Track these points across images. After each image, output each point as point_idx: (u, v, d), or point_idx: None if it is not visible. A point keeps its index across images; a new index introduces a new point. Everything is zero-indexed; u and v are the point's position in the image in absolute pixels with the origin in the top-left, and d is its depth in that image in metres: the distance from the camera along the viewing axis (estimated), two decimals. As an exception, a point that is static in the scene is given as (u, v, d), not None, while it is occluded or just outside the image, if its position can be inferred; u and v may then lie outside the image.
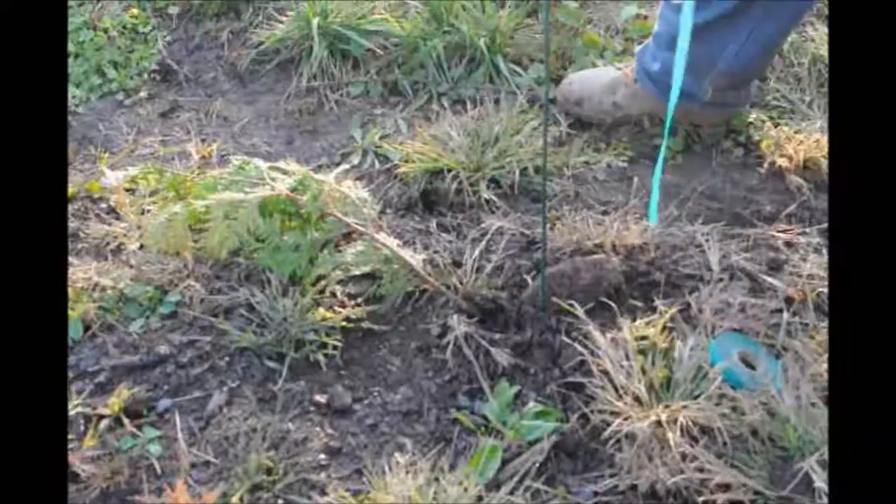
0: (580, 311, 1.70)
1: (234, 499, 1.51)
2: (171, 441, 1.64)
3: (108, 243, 2.08)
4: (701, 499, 1.45)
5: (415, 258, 1.85)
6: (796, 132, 2.21)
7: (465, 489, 1.47)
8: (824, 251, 1.89)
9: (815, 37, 2.52)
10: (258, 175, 1.81)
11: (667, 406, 1.53)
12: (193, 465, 1.60)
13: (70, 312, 1.85)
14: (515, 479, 1.52)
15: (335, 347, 1.78)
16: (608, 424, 1.54)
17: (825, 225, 1.97)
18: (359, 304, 1.86)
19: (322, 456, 1.60)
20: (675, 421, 1.51)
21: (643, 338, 1.65)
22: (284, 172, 1.85)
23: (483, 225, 2.03)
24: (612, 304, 1.74)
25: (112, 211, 2.20)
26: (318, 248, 1.83)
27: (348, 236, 1.91)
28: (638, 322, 1.69)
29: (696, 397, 1.55)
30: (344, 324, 1.81)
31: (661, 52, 2.16)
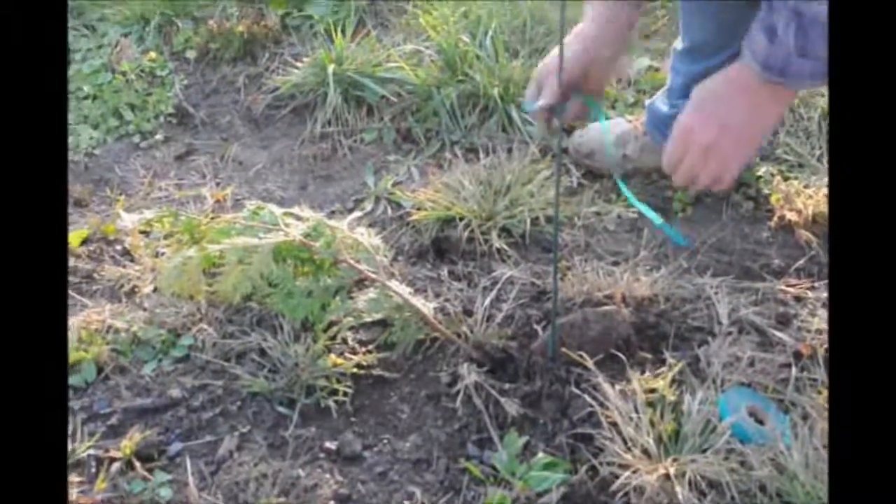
0: (590, 363, 1.71)
1: (244, 545, 1.52)
2: (181, 485, 1.65)
3: (122, 285, 2.10)
4: (708, 554, 1.45)
5: (426, 306, 1.87)
6: (805, 186, 2.22)
7: (474, 539, 1.48)
8: (833, 306, 1.90)
9: (825, 91, 2.54)
10: (272, 220, 1.83)
11: (675, 459, 1.54)
12: (203, 510, 1.61)
13: (84, 354, 1.87)
14: (524, 530, 1.53)
15: (346, 394, 1.79)
16: (617, 477, 1.54)
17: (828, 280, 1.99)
18: (370, 351, 1.87)
19: (332, 503, 1.60)
20: (684, 474, 1.51)
21: (652, 390, 1.66)
22: (298, 218, 1.86)
23: (494, 274, 2.04)
24: (622, 356, 1.75)
25: (127, 253, 2.22)
26: (330, 295, 1.84)
27: (360, 283, 1.93)
28: (647, 374, 1.70)
29: (705, 451, 1.55)
30: (355, 370, 1.83)
31: (677, 101, 2.18)
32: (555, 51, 1.66)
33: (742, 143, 1.57)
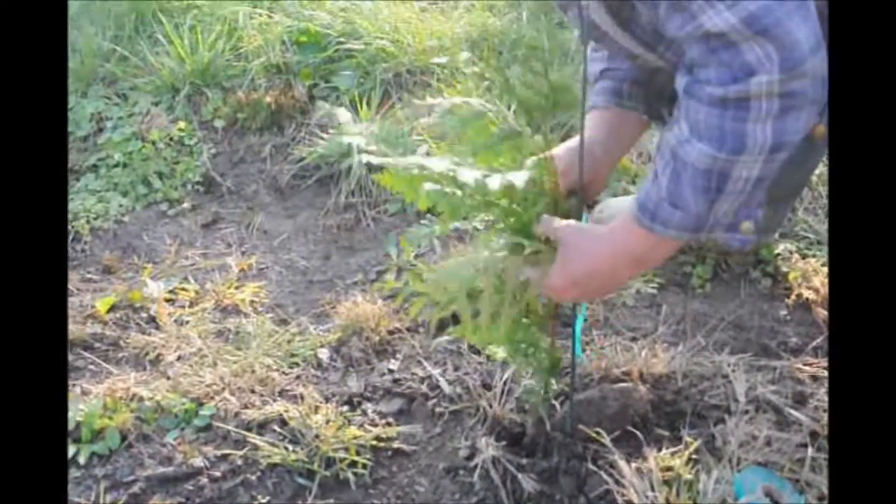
0: (607, 439, 1.73)
1: None
2: (201, 555, 1.67)
3: (147, 353, 2.14)
4: None
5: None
6: (823, 265, 2.24)
7: None
8: (850, 386, 1.91)
9: (844, 169, 2.57)
10: None
11: (691, 539, 1.55)
12: (222, 581, 1.62)
13: (108, 421, 1.90)
14: None
15: (365, 466, 1.80)
16: (632, 556, 1.55)
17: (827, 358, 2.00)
18: (389, 424, 1.89)
19: (348, 576, 1.62)
20: (699, 555, 1.52)
21: (668, 468, 1.67)
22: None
23: (513, 347, 2.06)
24: (639, 434, 1.77)
25: (152, 321, 2.26)
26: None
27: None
28: (664, 452, 1.71)
29: (720, 531, 1.56)
30: (374, 442, 1.84)
31: None
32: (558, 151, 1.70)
33: (608, 289, 1.67)
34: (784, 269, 2.28)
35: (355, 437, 1.84)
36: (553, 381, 1.77)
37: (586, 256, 1.49)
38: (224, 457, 1.85)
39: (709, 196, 1.35)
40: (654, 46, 1.57)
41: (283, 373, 2.04)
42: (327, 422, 1.86)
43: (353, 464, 1.81)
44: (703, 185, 1.34)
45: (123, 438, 1.90)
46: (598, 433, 1.75)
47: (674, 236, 1.41)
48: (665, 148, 1.39)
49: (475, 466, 1.77)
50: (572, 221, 1.54)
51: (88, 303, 2.32)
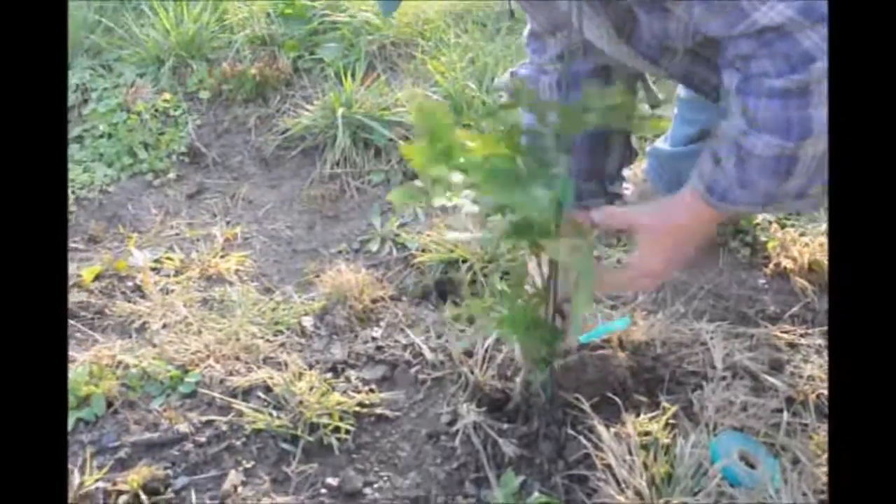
0: (586, 405, 1.75)
1: (246, 578, 1.56)
2: (186, 519, 1.69)
3: (132, 321, 2.15)
4: None
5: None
6: (801, 234, 2.26)
7: (469, 576, 1.51)
8: (825, 353, 1.94)
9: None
10: None
11: (667, 502, 1.57)
12: (207, 543, 1.65)
13: (94, 389, 1.92)
14: (518, 568, 1.56)
15: (348, 431, 1.83)
16: (610, 518, 1.58)
17: (827, 327, 2.02)
18: (372, 390, 1.92)
19: (332, 538, 1.64)
20: (675, 517, 1.55)
21: (646, 433, 1.70)
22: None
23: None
24: (617, 399, 1.79)
25: (138, 289, 2.27)
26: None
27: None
28: (642, 417, 1.73)
29: (696, 494, 1.58)
30: (357, 408, 1.87)
31: (678, 145, 2.23)
32: None
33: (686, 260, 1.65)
34: (763, 238, 2.30)
35: (339, 404, 1.86)
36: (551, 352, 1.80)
37: (672, 229, 1.53)
38: (209, 423, 1.87)
39: (778, 178, 1.37)
40: (657, 60, 1.58)
41: (268, 340, 2.06)
42: (311, 388, 1.88)
43: (337, 429, 1.83)
44: (773, 170, 1.36)
45: (109, 405, 1.92)
46: (577, 399, 1.77)
47: (744, 210, 1.44)
48: (724, 137, 1.41)
49: (457, 432, 1.79)
50: (629, 207, 1.57)
51: (74, 272, 2.33)
